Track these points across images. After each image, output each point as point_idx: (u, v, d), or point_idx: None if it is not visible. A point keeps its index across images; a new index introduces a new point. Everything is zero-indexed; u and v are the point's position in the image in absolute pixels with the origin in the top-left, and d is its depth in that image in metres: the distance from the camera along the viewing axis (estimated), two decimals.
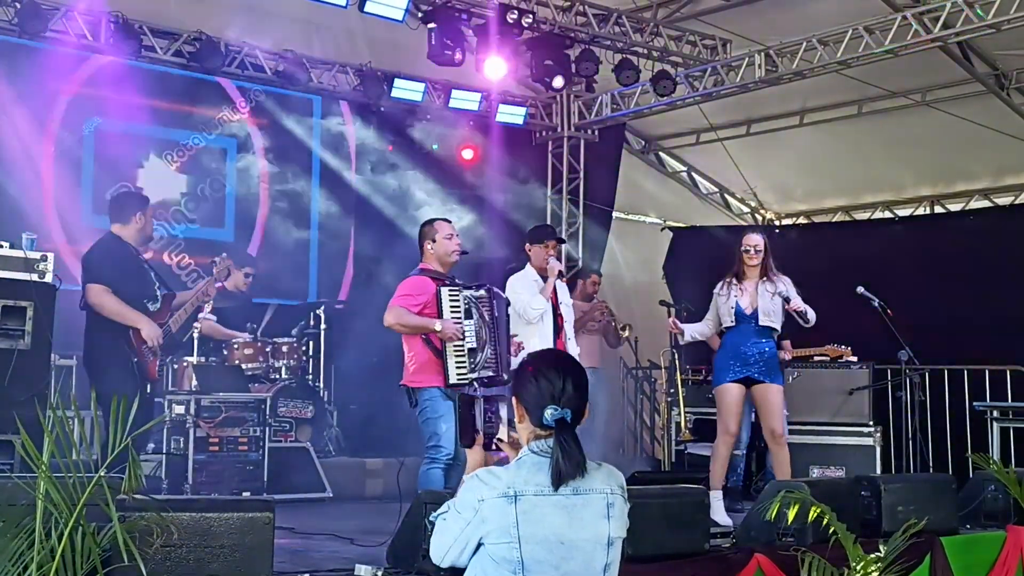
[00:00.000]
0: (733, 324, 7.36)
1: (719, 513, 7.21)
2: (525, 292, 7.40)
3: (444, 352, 6.34)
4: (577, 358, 7.59)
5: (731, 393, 7.33)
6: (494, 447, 3.40)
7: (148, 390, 5.99)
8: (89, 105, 10.05)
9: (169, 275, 9.31)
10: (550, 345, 7.30)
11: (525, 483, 3.07)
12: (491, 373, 6.41)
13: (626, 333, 10.40)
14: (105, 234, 6.76)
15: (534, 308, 7.35)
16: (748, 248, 7.44)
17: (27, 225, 6.85)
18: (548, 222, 12.24)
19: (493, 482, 3.08)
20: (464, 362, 6.34)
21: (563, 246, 7.91)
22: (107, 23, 9.56)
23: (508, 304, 6.81)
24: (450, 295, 6.41)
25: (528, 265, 7.63)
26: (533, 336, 7.24)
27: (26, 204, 9.17)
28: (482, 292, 6.52)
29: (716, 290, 7.49)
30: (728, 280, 7.44)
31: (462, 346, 6.36)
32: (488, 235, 11.51)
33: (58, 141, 9.88)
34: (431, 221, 6.77)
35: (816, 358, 9.21)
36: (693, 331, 7.64)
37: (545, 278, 7.47)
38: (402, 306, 6.37)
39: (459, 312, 6.40)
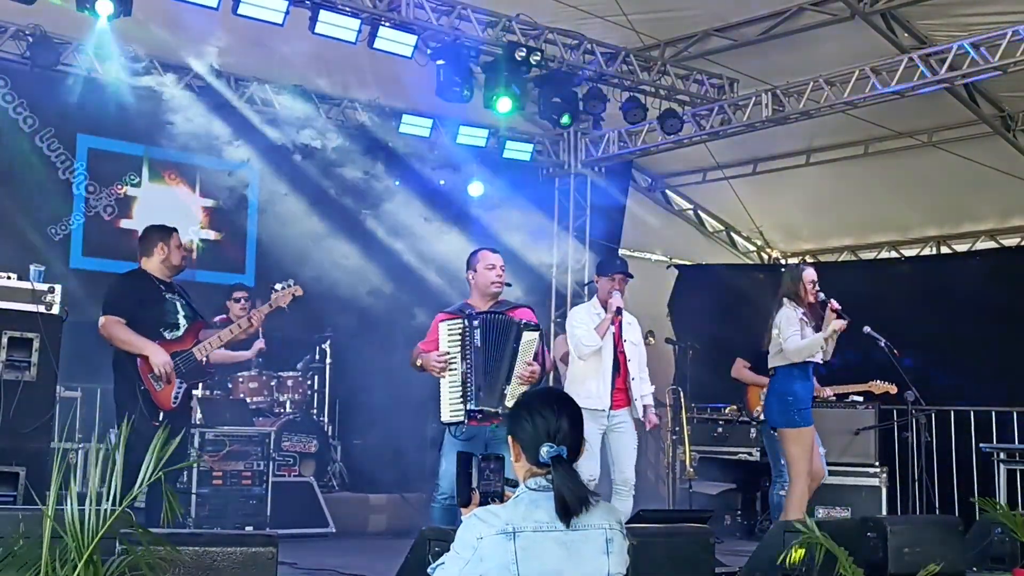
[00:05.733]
0: (820, 362, 7.15)
1: None
2: (581, 327, 7.05)
3: (439, 389, 6.06)
4: (649, 397, 7.17)
5: (813, 434, 7.16)
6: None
7: (160, 418, 5.92)
8: None
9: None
10: (607, 383, 6.93)
11: (523, 520, 3.04)
12: (475, 406, 5.92)
13: (651, 341, 10.16)
14: (131, 269, 6.74)
15: (585, 344, 6.96)
16: (815, 281, 7.20)
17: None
18: (554, 258, 12.24)
19: (491, 520, 3.05)
20: (457, 396, 5.98)
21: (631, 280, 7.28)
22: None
23: (521, 329, 6.06)
24: (448, 328, 6.07)
25: (595, 296, 7.34)
26: (588, 372, 6.95)
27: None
28: (476, 320, 6.02)
29: (801, 317, 7.08)
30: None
31: (456, 380, 5.99)
32: None
33: None
34: (476, 251, 6.40)
35: (852, 396, 9.09)
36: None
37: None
38: (420, 345, 6.20)
39: (456, 344, 6.03)
